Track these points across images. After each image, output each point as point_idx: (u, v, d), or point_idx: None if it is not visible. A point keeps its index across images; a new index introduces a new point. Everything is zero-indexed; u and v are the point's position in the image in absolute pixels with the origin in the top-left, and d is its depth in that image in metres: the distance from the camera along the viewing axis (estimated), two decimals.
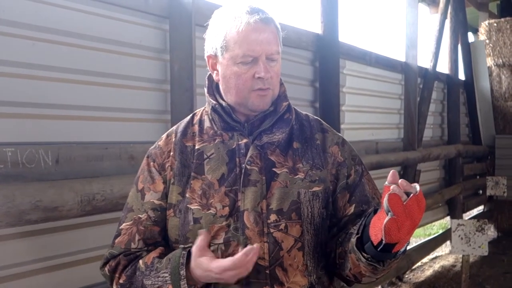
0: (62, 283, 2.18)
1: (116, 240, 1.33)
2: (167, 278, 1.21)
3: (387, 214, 1.04)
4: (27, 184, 1.91)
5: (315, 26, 3.95)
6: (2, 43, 1.96)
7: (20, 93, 2.03)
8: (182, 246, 1.27)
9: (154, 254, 1.27)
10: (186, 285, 1.18)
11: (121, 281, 1.29)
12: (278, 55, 1.30)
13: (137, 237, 1.31)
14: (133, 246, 1.31)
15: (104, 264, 1.34)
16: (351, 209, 1.34)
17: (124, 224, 1.34)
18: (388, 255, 1.12)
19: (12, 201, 1.77)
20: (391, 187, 1.05)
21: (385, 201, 1.04)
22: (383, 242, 1.07)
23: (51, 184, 1.95)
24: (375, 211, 1.14)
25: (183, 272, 1.18)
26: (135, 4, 2.45)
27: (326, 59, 3.95)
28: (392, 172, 1.08)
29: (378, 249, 1.10)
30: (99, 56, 2.33)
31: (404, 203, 1.03)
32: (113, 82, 2.40)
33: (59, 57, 2.16)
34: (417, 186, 1.06)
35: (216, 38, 1.31)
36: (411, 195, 1.04)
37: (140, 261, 1.27)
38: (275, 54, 1.28)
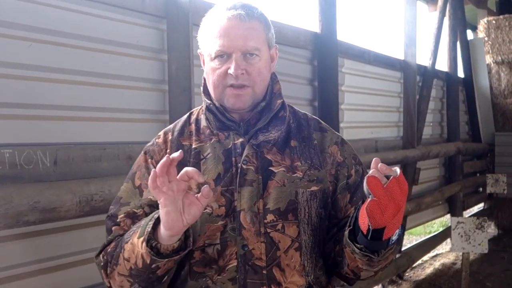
0: (60, 284, 2.17)
1: (113, 228, 1.31)
2: (138, 229, 1.18)
3: (369, 197, 1.04)
4: (25, 185, 1.90)
5: (313, 25, 3.95)
6: None
7: (17, 94, 2.03)
8: None
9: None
10: (150, 228, 1.14)
11: (108, 249, 1.27)
12: (258, 51, 1.28)
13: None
14: None
15: (100, 252, 1.30)
16: (352, 210, 1.32)
17: (120, 217, 1.31)
18: (380, 244, 1.11)
19: (10, 203, 1.77)
20: (370, 171, 1.05)
21: (364, 184, 1.04)
22: (371, 228, 1.07)
23: (49, 185, 1.94)
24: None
25: (151, 222, 1.15)
26: (132, 4, 2.45)
27: (324, 57, 3.94)
28: (374, 160, 1.08)
29: (369, 237, 1.10)
30: (96, 56, 2.32)
31: (385, 186, 1.03)
32: (110, 83, 2.39)
33: (56, 58, 2.15)
34: (397, 170, 1.06)
35: (200, 34, 1.34)
36: (391, 177, 1.04)
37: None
38: (253, 50, 1.27)
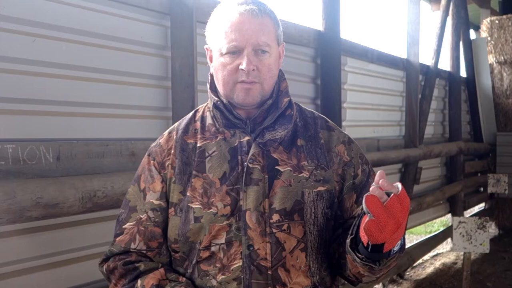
0: (63, 279, 2.18)
1: (117, 239, 1.31)
2: None
3: (367, 216, 1.02)
4: (28, 180, 1.90)
5: (317, 23, 3.95)
6: (3, 39, 1.96)
7: (21, 89, 2.03)
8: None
9: (152, 281, 1.24)
10: None
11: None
12: (269, 47, 1.26)
13: (137, 238, 1.29)
14: (132, 246, 1.29)
15: (103, 261, 1.32)
16: (358, 211, 1.31)
17: (128, 224, 1.31)
18: (382, 255, 1.10)
19: (13, 198, 1.77)
20: (371, 189, 1.03)
21: (363, 203, 1.02)
22: (370, 244, 1.06)
23: (52, 181, 1.94)
24: None
25: None
26: (136, 0, 2.45)
27: (327, 56, 3.94)
28: (379, 172, 1.06)
29: (369, 250, 1.09)
30: (100, 52, 2.32)
31: (384, 204, 1.01)
32: (114, 79, 2.39)
33: (59, 54, 2.15)
34: (399, 186, 1.04)
35: (209, 30, 1.32)
36: (392, 194, 1.01)
37: (139, 282, 1.25)
38: (264, 46, 1.25)
